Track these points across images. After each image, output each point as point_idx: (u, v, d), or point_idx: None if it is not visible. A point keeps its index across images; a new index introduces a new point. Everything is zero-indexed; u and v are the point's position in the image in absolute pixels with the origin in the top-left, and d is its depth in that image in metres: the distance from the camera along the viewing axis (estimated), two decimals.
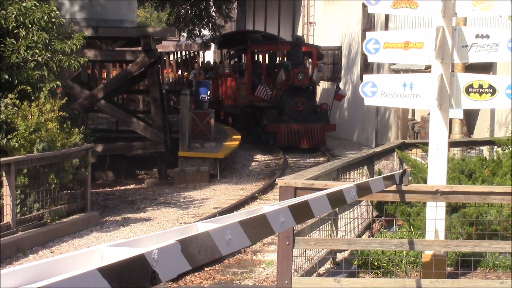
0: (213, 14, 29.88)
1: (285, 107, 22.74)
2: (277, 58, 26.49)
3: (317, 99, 26.38)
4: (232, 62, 29.42)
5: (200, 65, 35.58)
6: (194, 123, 20.52)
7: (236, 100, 26.68)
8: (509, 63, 15.47)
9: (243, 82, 25.88)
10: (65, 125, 12.20)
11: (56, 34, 12.33)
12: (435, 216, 6.88)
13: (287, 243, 6.78)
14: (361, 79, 7.41)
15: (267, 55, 26.38)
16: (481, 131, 17.60)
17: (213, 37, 30.51)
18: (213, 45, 36.83)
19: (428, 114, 7.56)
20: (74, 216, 12.06)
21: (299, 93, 22.78)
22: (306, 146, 22.46)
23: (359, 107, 23.78)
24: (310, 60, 25.76)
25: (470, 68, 13.43)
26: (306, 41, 27.51)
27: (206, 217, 12.42)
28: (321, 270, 7.84)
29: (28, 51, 11.79)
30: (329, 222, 7.91)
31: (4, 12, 11.77)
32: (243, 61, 27.42)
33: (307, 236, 7.34)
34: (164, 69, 36.03)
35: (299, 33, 29.53)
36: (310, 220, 7.12)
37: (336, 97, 23.95)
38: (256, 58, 27.36)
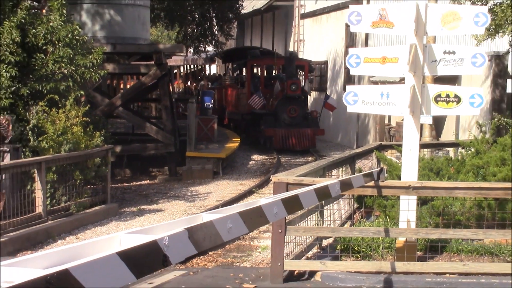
0: (216, 32, 29.90)
1: (280, 114, 22.62)
2: (273, 71, 26.42)
3: (308, 106, 26.29)
4: (234, 74, 29.37)
5: (207, 76, 35.55)
6: (200, 127, 20.50)
7: (237, 107, 26.60)
8: (472, 76, 15.52)
9: (244, 92, 25.82)
10: (88, 129, 12.21)
11: (79, 50, 12.33)
12: (408, 208, 6.91)
13: (280, 231, 6.80)
14: (344, 89, 7.42)
15: (264, 68, 26.31)
16: (447, 135, 17.61)
17: (216, 52, 30.50)
18: (217, 59, 36.81)
19: (402, 120, 7.57)
20: (96, 208, 12.05)
21: (292, 102, 22.65)
22: (298, 148, 22.40)
23: (343, 113, 23.68)
24: (302, 72, 25.68)
25: (439, 80, 13.45)
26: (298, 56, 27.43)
27: (210, 208, 12.42)
28: (309, 254, 7.85)
29: (55, 64, 11.80)
30: (316, 213, 7.92)
31: (34, 31, 11.78)
32: (244, 73, 27.38)
33: (297, 225, 7.36)
34: (175, 80, 36.00)
35: (291, 49, 29.49)
36: (300, 211, 7.14)
37: (326, 106, 23.62)
38: (255, 71, 27.30)
